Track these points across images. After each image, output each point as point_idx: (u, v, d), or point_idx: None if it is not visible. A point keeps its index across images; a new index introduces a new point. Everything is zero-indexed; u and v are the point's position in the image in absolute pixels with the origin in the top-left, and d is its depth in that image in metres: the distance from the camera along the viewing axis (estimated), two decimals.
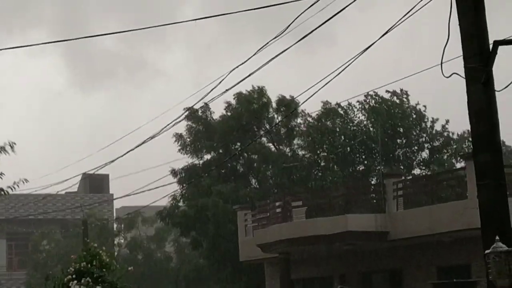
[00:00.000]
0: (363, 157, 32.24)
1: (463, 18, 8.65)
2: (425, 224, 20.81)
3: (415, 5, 10.08)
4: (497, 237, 7.69)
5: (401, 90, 32.33)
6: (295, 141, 32.93)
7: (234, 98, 31.56)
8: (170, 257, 40.07)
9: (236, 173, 32.42)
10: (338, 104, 32.87)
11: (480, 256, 15.93)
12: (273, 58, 14.79)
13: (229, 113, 32.09)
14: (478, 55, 8.62)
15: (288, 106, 31.21)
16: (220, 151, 31.94)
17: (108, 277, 13.04)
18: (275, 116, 32.13)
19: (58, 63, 75.09)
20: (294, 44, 14.76)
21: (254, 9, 14.55)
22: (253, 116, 31.69)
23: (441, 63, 8.79)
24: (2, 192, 17.46)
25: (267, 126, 32.27)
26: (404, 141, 32.33)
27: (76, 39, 22.41)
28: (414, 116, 32.25)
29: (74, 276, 12.83)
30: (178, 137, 31.87)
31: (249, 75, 16.04)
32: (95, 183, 48.33)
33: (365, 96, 32.25)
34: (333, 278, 24.07)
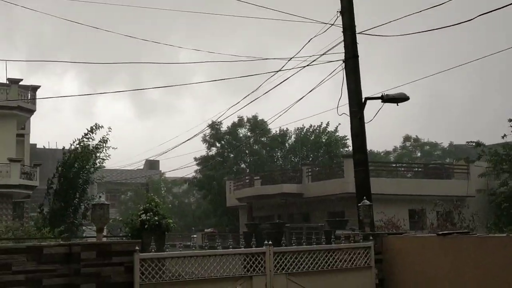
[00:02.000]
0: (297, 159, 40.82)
1: (350, 86, 10.82)
2: (322, 190, 27.70)
3: (323, 80, 12.37)
4: (364, 197, 9.75)
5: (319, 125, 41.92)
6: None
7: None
8: (191, 203, 49.72)
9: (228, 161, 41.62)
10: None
11: (350, 206, 22.41)
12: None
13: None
14: (356, 104, 10.79)
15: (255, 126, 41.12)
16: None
17: (160, 211, 13.71)
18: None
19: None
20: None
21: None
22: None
23: (337, 107, 11.14)
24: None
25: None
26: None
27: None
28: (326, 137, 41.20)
29: (142, 211, 13.67)
30: (204, 140, 41.37)
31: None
32: (152, 165, 58.73)
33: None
34: (274, 216, 30.38)
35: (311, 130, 41.82)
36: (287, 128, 41.94)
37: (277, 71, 13.61)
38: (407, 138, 57.16)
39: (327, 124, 41.44)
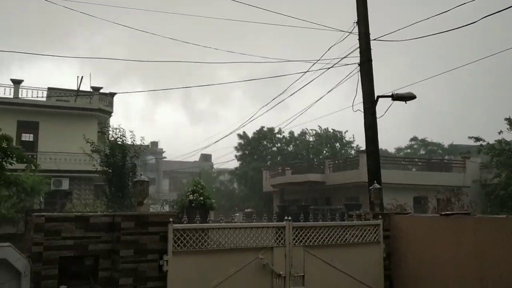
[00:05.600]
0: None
1: (364, 86, 10.30)
2: (341, 179, 27.17)
3: (341, 81, 11.63)
4: (375, 181, 8.95)
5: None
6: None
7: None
8: (235, 188, 48.32)
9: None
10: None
11: (364, 193, 22.07)
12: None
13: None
14: (369, 102, 10.37)
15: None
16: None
17: (205, 193, 15.00)
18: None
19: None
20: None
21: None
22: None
23: (352, 105, 10.48)
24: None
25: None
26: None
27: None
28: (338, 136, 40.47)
29: (190, 192, 14.95)
30: (241, 137, 41.23)
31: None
32: (206, 158, 58.57)
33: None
34: (301, 200, 30.06)
35: (328, 132, 40.97)
36: (306, 129, 41.62)
37: (305, 72, 12.83)
38: (414, 139, 55.20)
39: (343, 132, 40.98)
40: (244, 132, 40.54)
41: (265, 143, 40.91)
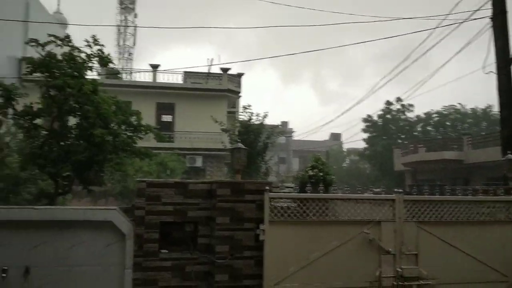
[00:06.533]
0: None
1: (497, 43, 9.23)
2: (481, 157, 24.26)
3: (470, 41, 11.04)
4: (508, 152, 8.06)
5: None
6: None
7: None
8: (365, 168, 46.81)
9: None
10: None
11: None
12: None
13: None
14: (504, 61, 9.39)
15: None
16: None
17: (325, 169, 14.01)
18: None
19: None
20: None
21: None
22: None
23: (484, 66, 9.46)
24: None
25: None
26: None
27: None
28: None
29: (310, 168, 13.97)
30: (366, 120, 39.65)
31: None
32: (335, 137, 58.34)
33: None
34: (435, 180, 27.68)
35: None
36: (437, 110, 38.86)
37: (435, 28, 11.35)
38: None
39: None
40: (368, 115, 38.90)
41: (397, 118, 38.66)
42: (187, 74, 31.02)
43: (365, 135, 40.15)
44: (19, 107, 11.78)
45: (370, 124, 39.42)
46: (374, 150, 37.81)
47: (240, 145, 6.37)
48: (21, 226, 5.52)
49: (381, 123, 38.83)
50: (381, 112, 38.91)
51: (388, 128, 38.66)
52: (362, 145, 41.79)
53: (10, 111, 11.37)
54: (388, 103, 38.62)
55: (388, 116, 38.79)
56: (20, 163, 11.99)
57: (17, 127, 12.42)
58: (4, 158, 9.50)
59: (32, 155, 11.46)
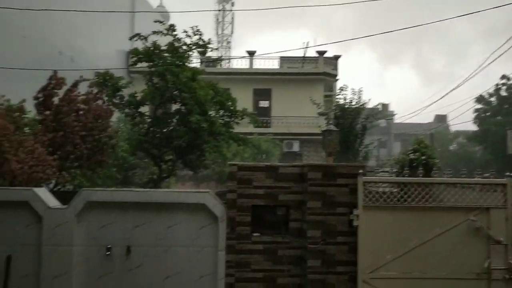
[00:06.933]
0: None
1: None
2: None
3: None
4: None
5: None
6: None
7: None
8: (476, 151, 42.65)
9: None
10: None
11: None
12: None
13: None
14: None
15: None
16: None
17: (427, 152, 12.57)
18: None
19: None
20: None
21: None
22: None
23: None
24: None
25: None
26: None
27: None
28: None
29: (412, 151, 12.80)
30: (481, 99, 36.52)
31: None
32: (440, 119, 53.79)
33: None
34: None
35: None
36: None
37: None
38: None
39: None
40: (480, 95, 35.50)
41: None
42: (283, 59, 30.91)
43: (476, 116, 37.03)
44: (126, 97, 12.57)
45: (482, 103, 36.27)
46: (486, 131, 34.70)
47: (332, 127, 6.13)
48: (124, 207, 5.82)
49: (494, 102, 35.54)
50: (494, 89, 35.55)
51: (503, 106, 35.24)
52: (472, 127, 38.55)
53: (118, 100, 12.16)
54: (504, 77, 35.07)
55: (504, 93, 35.27)
56: (128, 149, 12.82)
57: (124, 116, 13.30)
58: (115, 145, 10.25)
59: (139, 141, 12.19)
